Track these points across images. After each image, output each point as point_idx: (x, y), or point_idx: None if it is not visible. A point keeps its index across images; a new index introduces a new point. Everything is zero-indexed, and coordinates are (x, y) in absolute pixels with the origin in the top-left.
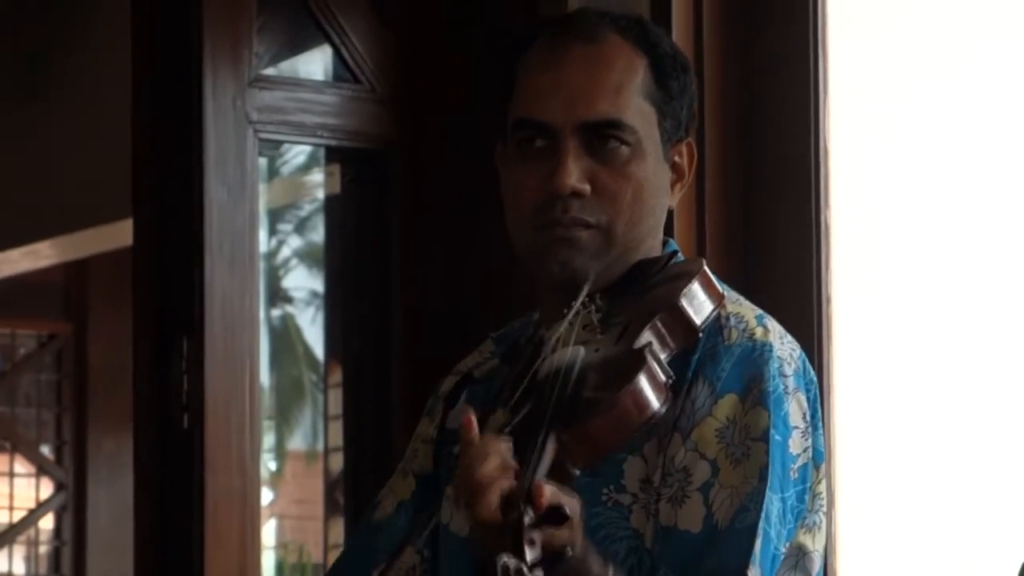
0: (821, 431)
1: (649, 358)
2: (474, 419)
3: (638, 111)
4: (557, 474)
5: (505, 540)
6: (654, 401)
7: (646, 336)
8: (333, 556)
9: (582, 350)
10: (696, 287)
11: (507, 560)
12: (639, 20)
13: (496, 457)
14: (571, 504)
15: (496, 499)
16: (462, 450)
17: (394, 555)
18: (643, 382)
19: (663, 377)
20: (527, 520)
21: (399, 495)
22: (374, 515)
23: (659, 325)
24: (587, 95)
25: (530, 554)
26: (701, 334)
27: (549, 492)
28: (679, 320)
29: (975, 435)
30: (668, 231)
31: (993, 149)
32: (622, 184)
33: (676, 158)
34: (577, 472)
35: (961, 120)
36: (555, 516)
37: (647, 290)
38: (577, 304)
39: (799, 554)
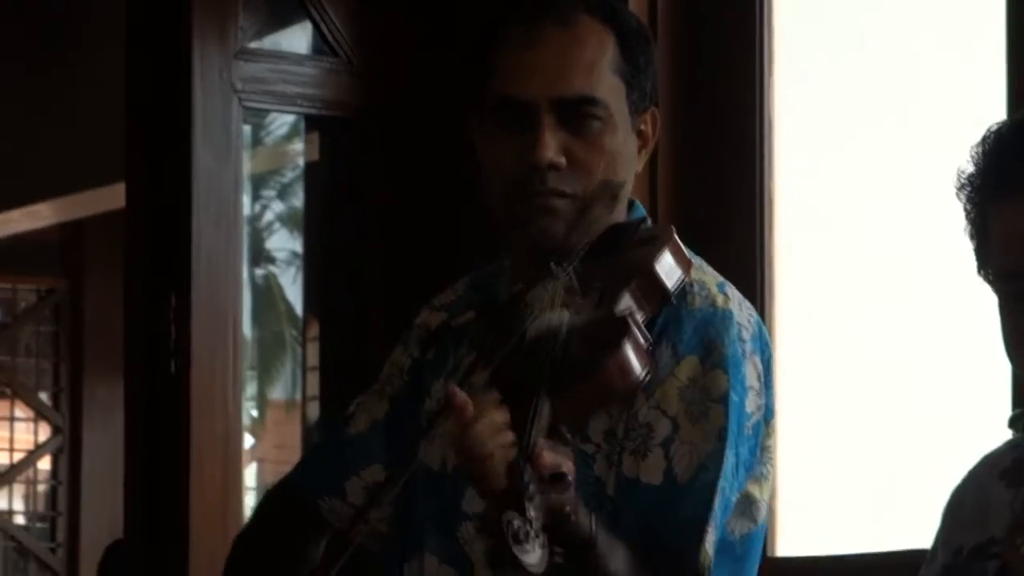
0: (772, 390)
1: (631, 325)
2: (459, 391)
3: (609, 86)
4: (552, 437)
5: (509, 502)
6: (638, 367)
7: (625, 301)
8: (301, 460)
9: (567, 314)
10: (667, 254)
11: (515, 521)
12: None
13: (489, 424)
14: (567, 465)
15: (502, 468)
16: (453, 421)
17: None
18: (628, 349)
19: (644, 343)
20: (531, 486)
21: (373, 414)
22: (348, 429)
23: (636, 290)
24: (563, 73)
25: (534, 516)
26: (672, 299)
27: (550, 457)
28: (654, 286)
29: (905, 388)
30: None
31: (933, 117)
32: (595, 156)
33: (642, 126)
34: (569, 435)
35: (903, 87)
36: (556, 480)
37: (621, 254)
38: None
39: (747, 502)
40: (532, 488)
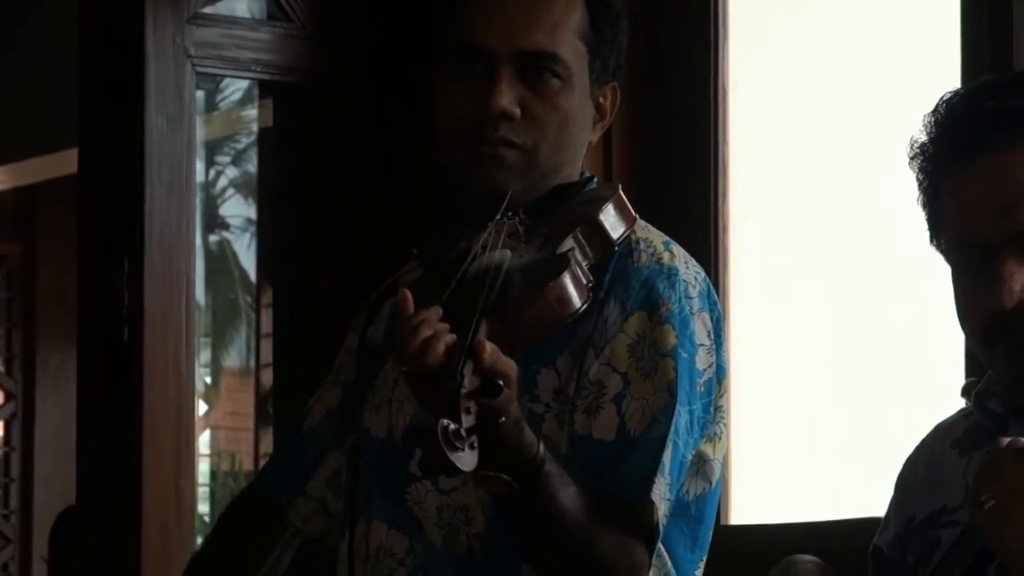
0: (724, 349)
1: (572, 260)
2: (409, 295)
3: (572, 48)
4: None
5: (443, 408)
6: (576, 298)
7: (568, 243)
8: (264, 464)
9: (508, 253)
10: (612, 207)
11: (446, 423)
12: None
13: (433, 319)
14: (509, 366)
15: (441, 346)
16: (399, 321)
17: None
18: (567, 279)
19: (584, 280)
20: (464, 390)
21: (326, 404)
22: (304, 424)
23: (579, 236)
24: (527, 26)
25: (466, 421)
26: (617, 248)
27: (491, 348)
28: (597, 232)
29: (859, 357)
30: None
31: (888, 85)
32: (549, 112)
33: (600, 99)
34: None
35: (858, 56)
36: (490, 388)
37: (567, 209)
38: (504, 205)
39: (700, 461)
40: (465, 393)
